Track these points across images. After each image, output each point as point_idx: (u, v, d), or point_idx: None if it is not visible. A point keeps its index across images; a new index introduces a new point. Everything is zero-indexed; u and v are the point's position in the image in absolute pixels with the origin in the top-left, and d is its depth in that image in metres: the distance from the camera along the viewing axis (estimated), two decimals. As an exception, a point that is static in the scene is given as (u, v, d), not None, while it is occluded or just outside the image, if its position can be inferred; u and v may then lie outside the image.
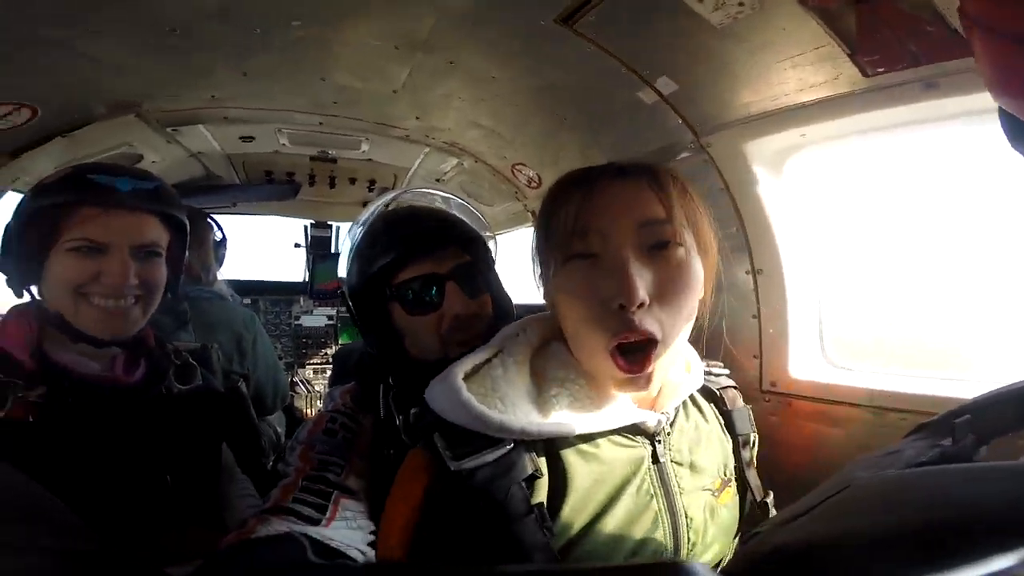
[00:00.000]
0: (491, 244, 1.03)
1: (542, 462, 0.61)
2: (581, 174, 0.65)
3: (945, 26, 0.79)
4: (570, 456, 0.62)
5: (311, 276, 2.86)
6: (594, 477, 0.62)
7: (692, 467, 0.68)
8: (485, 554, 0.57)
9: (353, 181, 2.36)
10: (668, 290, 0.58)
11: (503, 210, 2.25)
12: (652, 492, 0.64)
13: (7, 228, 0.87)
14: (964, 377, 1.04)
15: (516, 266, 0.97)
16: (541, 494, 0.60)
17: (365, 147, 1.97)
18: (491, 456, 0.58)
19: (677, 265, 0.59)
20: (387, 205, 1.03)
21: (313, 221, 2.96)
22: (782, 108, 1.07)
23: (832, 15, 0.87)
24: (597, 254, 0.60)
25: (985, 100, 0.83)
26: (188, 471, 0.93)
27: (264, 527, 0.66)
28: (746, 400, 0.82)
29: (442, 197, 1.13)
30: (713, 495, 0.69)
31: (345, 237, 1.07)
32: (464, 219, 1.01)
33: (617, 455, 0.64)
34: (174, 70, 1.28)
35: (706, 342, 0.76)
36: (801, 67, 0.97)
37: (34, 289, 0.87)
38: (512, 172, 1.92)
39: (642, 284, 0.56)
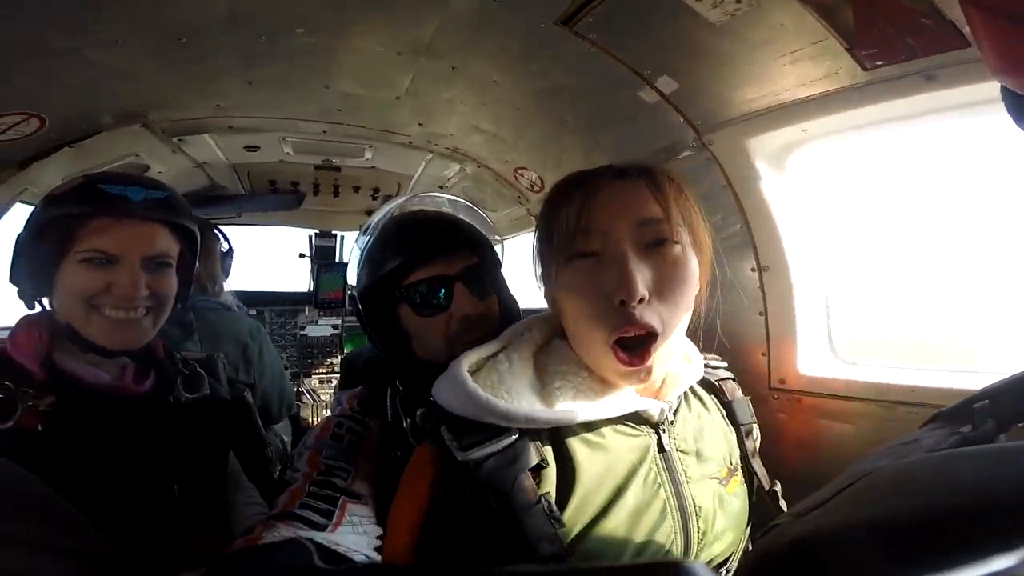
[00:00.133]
0: (498, 248, 1.05)
1: (548, 451, 0.62)
2: (581, 176, 0.68)
3: (941, 17, 0.79)
4: (576, 445, 0.63)
5: (316, 286, 2.87)
6: (601, 467, 0.63)
7: (698, 456, 0.70)
8: (493, 545, 0.57)
9: (357, 190, 2.38)
10: (666, 286, 0.61)
11: (506, 215, 2.26)
12: (659, 481, 0.65)
13: (18, 239, 0.87)
14: (976, 369, 1.03)
15: (521, 270, 0.98)
16: (548, 485, 0.61)
17: (369, 155, 1.98)
18: (497, 446, 0.59)
19: (674, 261, 0.62)
20: (397, 210, 1.05)
21: (317, 231, 2.98)
22: (783, 104, 1.07)
23: (829, 9, 0.87)
24: (598, 252, 0.62)
25: (985, 90, 0.83)
26: (195, 479, 0.93)
27: (271, 533, 0.66)
28: (755, 398, 0.84)
29: (450, 201, 1.16)
30: (721, 483, 0.70)
31: (354, 242, 1.09)
32: (472, 222, 1.03)
33: (623, 444, 0.65)
34: (180, 79, 1.29)
35: (705, 338, 0.78)
36: (800, 62, 0.97)
37: (45, 300, 0.88)
38: (515, 176, 1.93)
39: (642, 280, 0.59)
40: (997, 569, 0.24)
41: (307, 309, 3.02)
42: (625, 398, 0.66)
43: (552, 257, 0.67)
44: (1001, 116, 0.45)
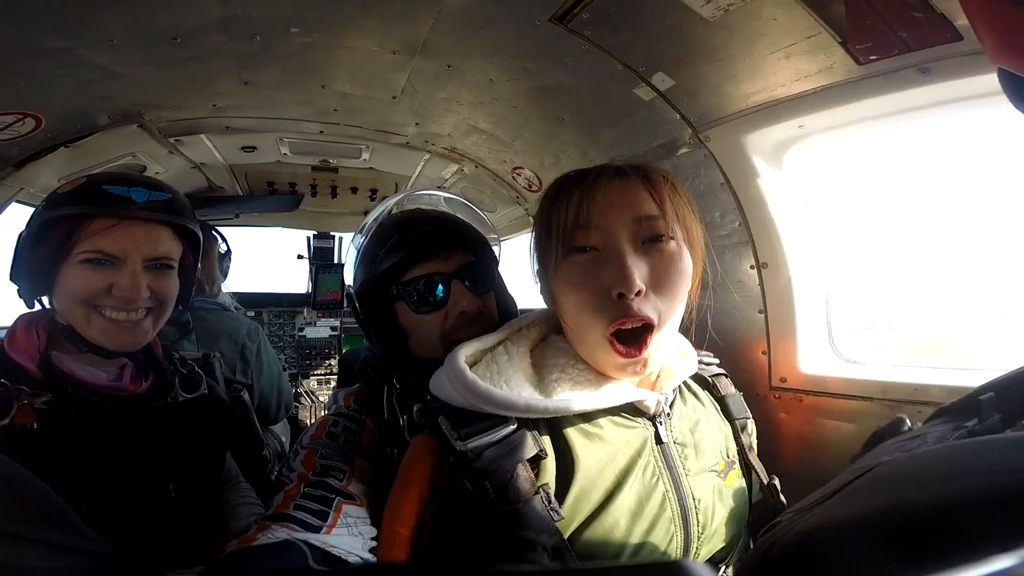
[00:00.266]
0: (496, 248, 1.05)
1: (546, 441, 0.63)
2: (579, 174, 0.70)
3: (932, 11, 0.80)
4: (574, 436, 0.64)
5: (314, 287, 2.87)
6: (599, 458, 0.63)
7: (695, 448, 0.70)
8: (492, 537, 0.57)
9: (355, 191, 2.37)
10: (662, 279, 0.64)
11: (504, 215, 2.26)
12: (658, 473, 0.66)
13: (20, 238, 0.87)
14: (980, 367, 1.03)
15: (519, 271, 0.98)
16: (547, 476, 0.61)
17: (366, 155, 1.98)
18: (496, 436, 0.60)
19: (669, 256, 0.65)
20: (394, 208, 1.05)
21: (316, 232, 2.98)
22: (779, 99, 1.07)
23: (821, 3, 0.87)
24: (596, 247, 0.64)
25: (979, 84, 0.83)
26: (191, 479, 0.93)
27: (265, 534, 0.66)
28: (756, 397, 0.83)
29: (446, 199, 1.16)
30: (719, 476, 0.71)
31: (351, 241, 1.09)
32: (469, 220, 1.03)
33: (620, 436, 0.66)
34: (176, 79, 1.29)
35: (698, 334, 0.80)
36: (795, 57, 0.97)
37: (44, 298, 0.87)
38: (512, 176, 1.92)
39: (638, 274, 0.62)
40: (1001, 565, 0.23)
41: (306, 311, 3.02)
42: (622, 389, 0.67)
43: (550, 252, 0.68)
44: (996, 111, 0.45)
